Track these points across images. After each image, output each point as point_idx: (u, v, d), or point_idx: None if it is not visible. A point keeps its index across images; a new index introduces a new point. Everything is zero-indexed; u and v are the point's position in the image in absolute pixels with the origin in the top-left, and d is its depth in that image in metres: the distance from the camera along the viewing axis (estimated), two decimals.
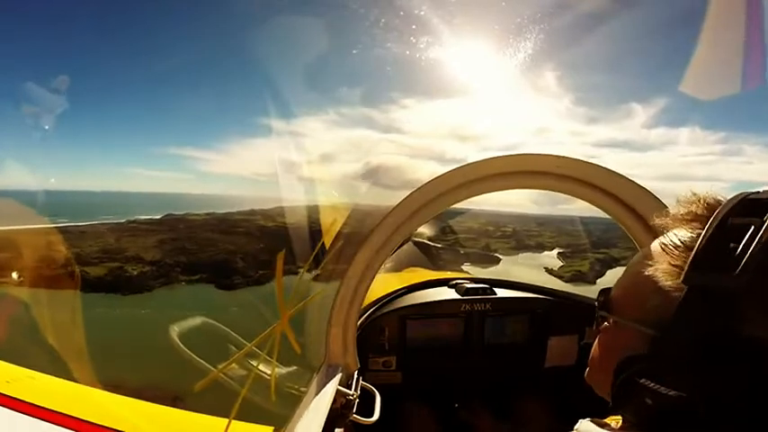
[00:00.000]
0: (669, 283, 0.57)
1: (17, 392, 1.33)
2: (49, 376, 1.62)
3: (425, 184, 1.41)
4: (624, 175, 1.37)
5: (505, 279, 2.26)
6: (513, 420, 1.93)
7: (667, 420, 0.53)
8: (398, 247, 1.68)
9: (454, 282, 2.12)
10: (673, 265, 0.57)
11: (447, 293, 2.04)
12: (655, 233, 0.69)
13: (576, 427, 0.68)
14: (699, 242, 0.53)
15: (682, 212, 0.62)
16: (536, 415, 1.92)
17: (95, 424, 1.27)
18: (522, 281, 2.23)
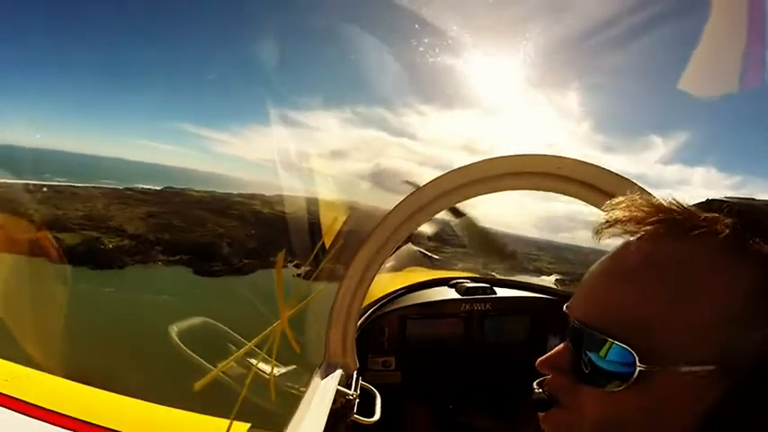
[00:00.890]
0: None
1: (15, 391, 1.33)
2: (48, 375, 1.62)
3: (425, 184, 1.41)
4: (627, 177, 1.37)
5: (506, 279, 2.26)
6: (512, 420, 1.93)
7: None
8: (398, 248, 1.68)
9: (454, 281, 2.12)
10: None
11: (447, 293, 2.04)
12: None
13: None
14: None
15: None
16: (536, 415, 1.93)
17: (94, 424, 1.27)
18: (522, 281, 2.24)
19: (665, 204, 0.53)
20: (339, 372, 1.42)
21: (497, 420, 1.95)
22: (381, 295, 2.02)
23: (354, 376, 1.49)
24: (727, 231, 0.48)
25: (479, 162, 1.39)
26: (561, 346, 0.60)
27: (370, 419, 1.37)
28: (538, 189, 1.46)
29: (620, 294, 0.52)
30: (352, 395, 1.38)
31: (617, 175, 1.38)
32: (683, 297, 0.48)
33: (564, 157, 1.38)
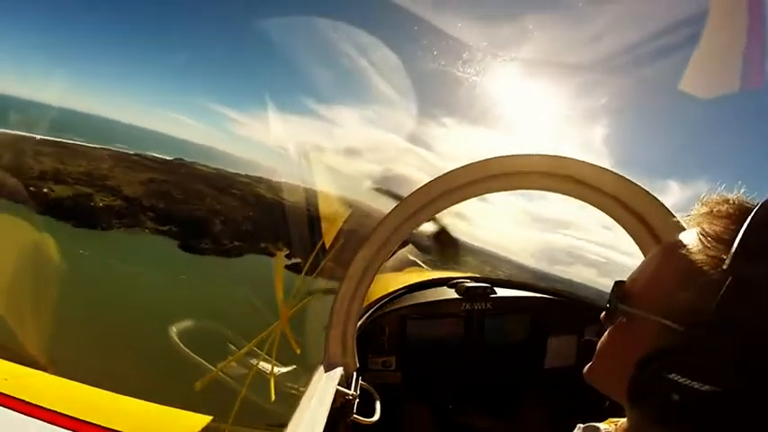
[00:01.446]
0: (706, 274, 0.55)
1: (14, 391, 1.33)
2: (47, 375, 1.62)
3: (426, 184, 1.41)
4: (627, 177, 1.37)
5: (506, 279, 2.26)
6: (512, 420, 1.93)
7: (694, 416, 0.52)
8: (399, 248, 1.68)
9: (454, 281, 2.12)
10: (710, 257, 0.56)
11: (447, 293, 2.04)
12: (655, 235, 0.69)
13: None
14: (744, 233, 0.52)
15: (713, 210, 0.60)
16: (536, 415, 1.93)
17: (94, 424, 1.27)
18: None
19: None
20: (339, 372, 1.42)
21: (497, 420, 1.95)
22: (381, 295, 2.02)
23: (354, 376, 1.49)
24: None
25: (480, 162, 1.39)
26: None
27: (370, 419, 1.37)
28: (539, 188, 1.46)
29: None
30: (351, 395, 1.38)
31: (619, 175, 1.38)
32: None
33: (565, 157, 1.39)
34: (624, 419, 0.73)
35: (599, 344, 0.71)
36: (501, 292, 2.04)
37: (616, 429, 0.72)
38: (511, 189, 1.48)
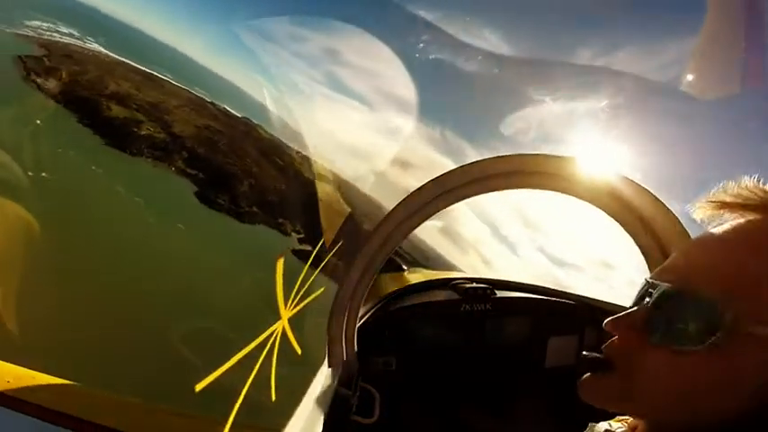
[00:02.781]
0: None
1: (15, 391, 1.33)
2: (50, 377, 1.62)
3: (426, 183, 1.41)
4: (629, 178, 1.37)
5: (506, 279, 2.26)
6: (513, 420, 1.93)
7: None
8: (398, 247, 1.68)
9: (454, 282, 2.12)
10: None
11: (447, 294, 2.04)
12: (656, 235, 0.65)
13: None
14: None
15: None
16: (536, 415, 1.92)
17: (94, 424, 1.27)
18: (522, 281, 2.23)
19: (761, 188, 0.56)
20: (339, 372, 1.42)
21: (498, 421, 1.95)
22: (382, 295, 2.02)
23: (354, 376, 1.49)
24: None
25: (480, 162, 1.40)
26: (636, 307, 0.59)
27: (370, 419, 1.37)
28: (538, 188, 1.46)
29: (720, 260, 0.54)
30: (351, 395, 1.38)
31: (618, 175, 1.38)
32: None
33: (564, 157, 1.39)
34: (631, 418, 0.71)
35: (649, 366, 0.55)
36: (501, 293, 2.04)
37: (628, 427, 0.72)
38: (511, 189, 1.48)
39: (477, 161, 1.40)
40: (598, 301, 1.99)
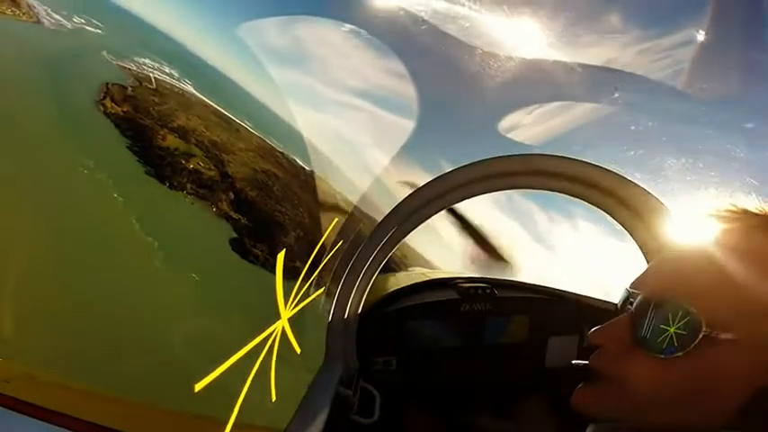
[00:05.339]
0: None
1: (17, 392, 1.33)
2: (50, 376, 1.62)
3: (426, 183, 1.41)
4: (625, 176, 1.37)
5: (506, 279, 2.26)
6: (513, 421, 1.93)
7: None
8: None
9: (454, 282, 2.12)
10: None
11: (447, 293, 2.04)
12: (657, 236, 0.67)
13: None
14: None
15: None
16: (536, 415, 1.92)
17: (94, 424, 1.27)
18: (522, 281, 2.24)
19: (740, 207, 0.59)
20: (339, 372, 1.42)
21: (498, 421, 1.95)
22: (382, 295, 2.02)
23: (354, 376, 1.49)
24: None
25: (480, 162, 1.40)
26: (618, 318, 0.61)
27: (370, 420, 1.37)
28: (538, 188, 1.46)
29: (695, 270, 0.57)
30: (351, 395, 1.38)
31: (618, 175, 1.38)
32: (752, 278, 0.52)
33: (563, 157, 1.39)
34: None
35: (635, 375, 0.57)
36: (501, 292, 2.04)
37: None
38: (511, 189, 1.48)
39: (477, 161, 1.40)
40: (598, 300, 2.00)
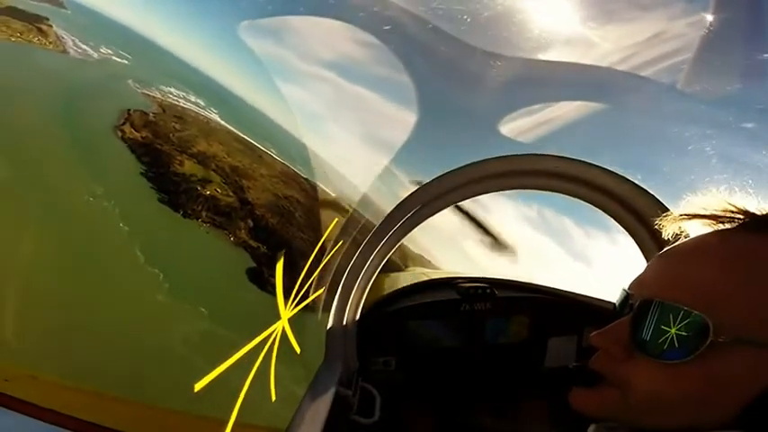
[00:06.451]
0: None
1: (16, 392, 1.33)
2: (50, 376, 1.62)
3: (426, 183, 1.41)
4: (625, 176, 1.37)
5: (506, 279, 2.26)
6: (513, 420, 1.93)
7: None
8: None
9: (454, 282, 2.12)
10: None
11: (447, 293, 2.04)
12: (656, 237, 0.66)
13: None
14: None
15: None
16: (536, 415, 1.92)
17: (94, 424, 1.27)
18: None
19: (739, 206, 0.58)
20: (339, 372, 1.42)
21: (498, 421, 1.95)
22: (382, 295, 2.02)
23: (354, 376, 1.49)
24: None
25: (480, 162, 1.40)
26: (619, 321, 0.60)
27: (370, 420, 1.37)
28: (539, 188, 1.46)
29: (697, 272, 0.55)
30: (351, 395, 1.38)
31: (618, 175, 1.38)
32: (755, 279, 0.51)
33: (563, 157, 1.39)
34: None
35: (636, 378, 0.56)
36: (501, 292, 2.04)
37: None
38: (511, 189, 1.48)
39: (476, 161, 1.40)
40: (598, 300, 1.99)
